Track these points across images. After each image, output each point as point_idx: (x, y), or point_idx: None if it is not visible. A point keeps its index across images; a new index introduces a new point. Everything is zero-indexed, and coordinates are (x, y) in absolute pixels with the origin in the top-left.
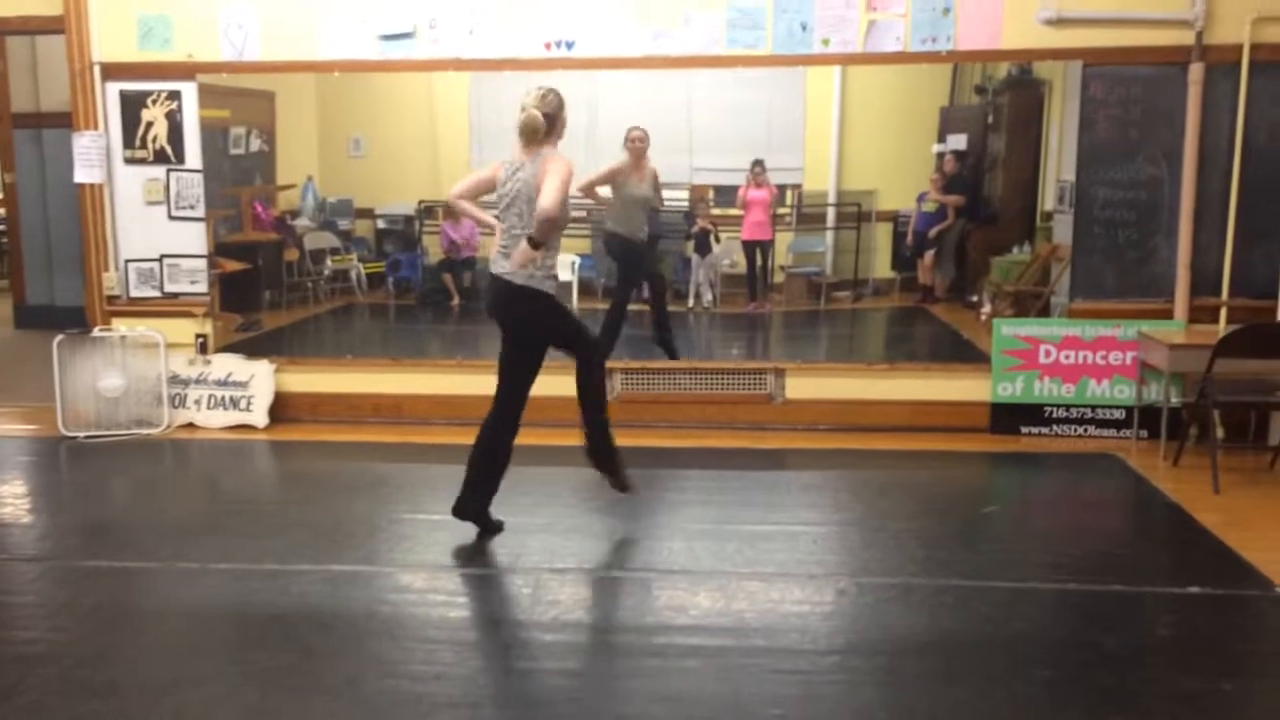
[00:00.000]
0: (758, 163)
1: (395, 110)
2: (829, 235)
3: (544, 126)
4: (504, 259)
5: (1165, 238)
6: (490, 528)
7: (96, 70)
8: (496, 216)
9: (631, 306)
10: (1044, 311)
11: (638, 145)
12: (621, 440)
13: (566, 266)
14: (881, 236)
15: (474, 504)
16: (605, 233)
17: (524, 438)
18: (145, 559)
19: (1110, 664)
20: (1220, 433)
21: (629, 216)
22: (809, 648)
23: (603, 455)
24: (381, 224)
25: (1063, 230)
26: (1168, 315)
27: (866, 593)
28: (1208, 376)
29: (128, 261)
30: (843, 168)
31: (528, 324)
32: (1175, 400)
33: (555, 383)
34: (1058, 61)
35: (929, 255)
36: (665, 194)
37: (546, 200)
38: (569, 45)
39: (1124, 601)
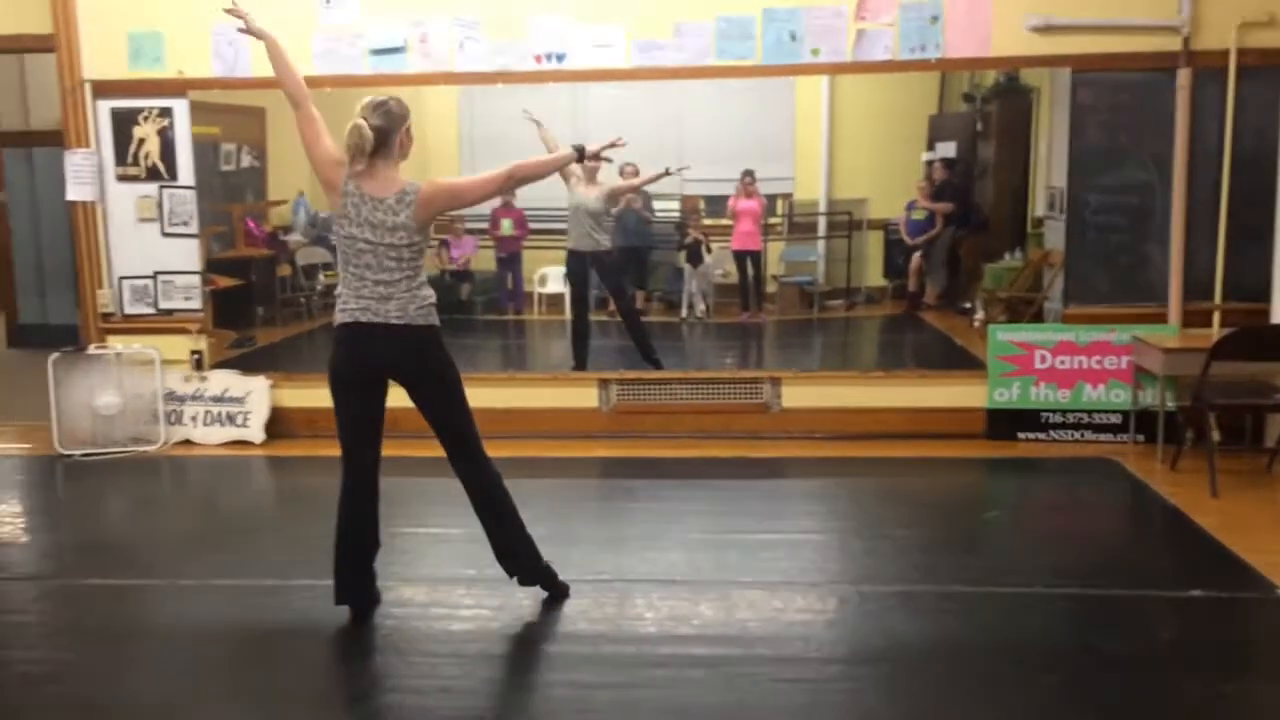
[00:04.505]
0: (747, 173)
1: None
2: (821, 244)
3: (372, 144)
4: (384, 302)
5: (1157, 242)
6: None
7: (87, 88)
8: (344, 252)
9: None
10: (1037, 317)
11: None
12: (618, 451)
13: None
14: (873, 245)
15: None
16: (566, 251)
17: (531, 450)
18: (145, 576)
19: (1114, 669)
20: (1216, 436)
21: (576, 224)
22: (813, 656)
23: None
24: None
25: (1054, 236)
26: (1161, 319)
27: (869, 600)
28: (1203, 380)
29: (122, 279)
30: (833, 176)
31: (436, 364)
32: (1171, 404)
33: (558, 395)
34: (1046, 69)
35: (916, 260)
36: (656, 205)
37: (496, 177)
38: (559, 58)
39: (1126, 606)
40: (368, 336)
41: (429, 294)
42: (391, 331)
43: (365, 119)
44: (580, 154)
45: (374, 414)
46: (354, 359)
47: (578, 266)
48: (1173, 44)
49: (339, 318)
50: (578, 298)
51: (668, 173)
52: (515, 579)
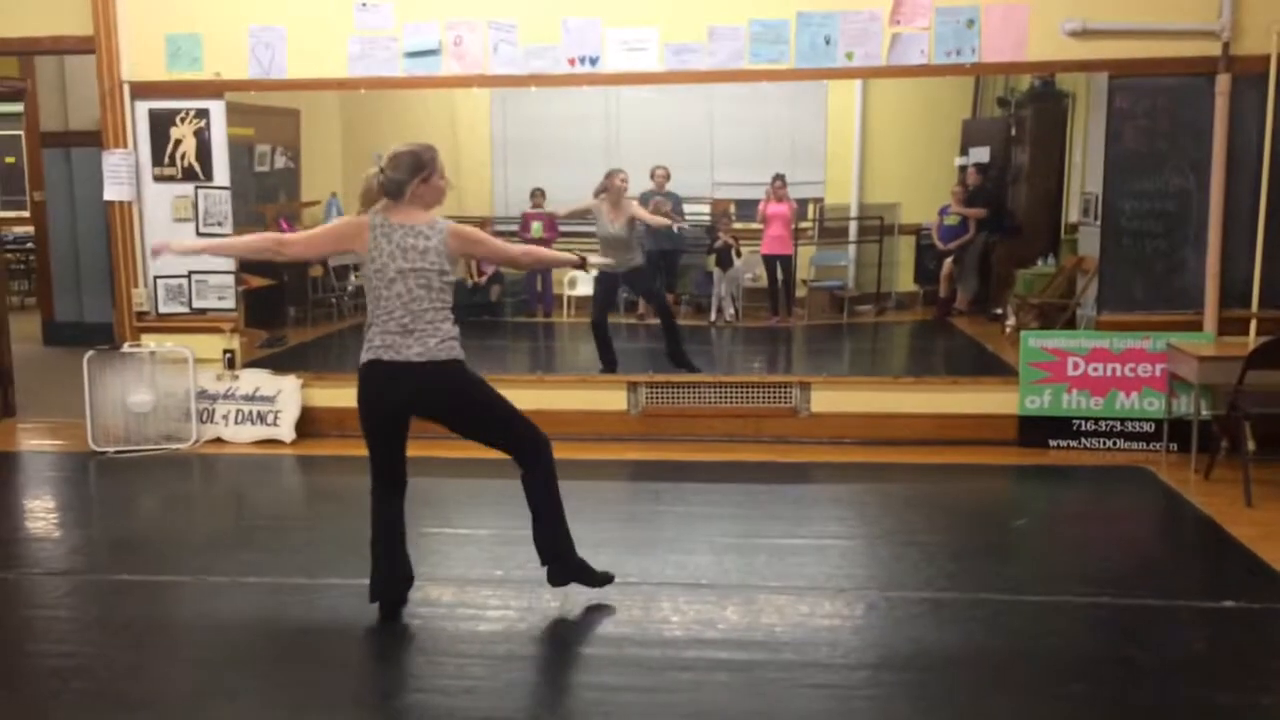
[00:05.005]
0: (778, 177)
1: (418, 126)
2: (851, 249)
3: (377, 194)
4: (406, 337)
5: (1194, 249)
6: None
7: (126, 89)
8: (374, 288)
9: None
10: (1070, 324)
11: (619, 186)
12: (646, 454)
13: None
14: (904, 250)
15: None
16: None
17: (559, 452)
18: (175, 573)
19: (1145, 679)
20: (1252, 445)
21: (605, 249)
22: (840, 662)
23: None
24: None
25: (1088, 242)
26: (1197, 327)
27: (897, 607)
28: (1239, 388)
29: (157, 278)
30: (865, 181)
31: (463, 387)
32: (1206, 413)
33: (586, 397)
34: (1082, 73)
35: (947, 265)
36: (686, 209)
37: (512, 249)
38: (593, 61)
39: (1157, 616)
40: (391, 376)
41: (452, 329)
42: (413, 370)
43: (380, 169)
44: (582, 265)
45: (402, 435)
46: (382, 398)
47: (609, 284)
48: (1212, 49)
49: (364, 356)
50: (601, 307)
51: (672, 220)
52: (549, 579)
